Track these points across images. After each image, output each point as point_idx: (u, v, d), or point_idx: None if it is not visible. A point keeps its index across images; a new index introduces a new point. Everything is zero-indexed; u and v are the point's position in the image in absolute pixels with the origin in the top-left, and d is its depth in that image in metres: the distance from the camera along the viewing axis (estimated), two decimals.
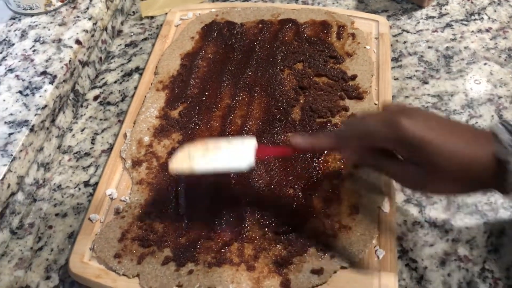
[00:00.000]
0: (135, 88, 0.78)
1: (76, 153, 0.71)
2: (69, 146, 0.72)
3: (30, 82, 0.69)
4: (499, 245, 0.58)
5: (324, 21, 0.82)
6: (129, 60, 0.84)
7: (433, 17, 0.85)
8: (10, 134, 0.63)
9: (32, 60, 0.72)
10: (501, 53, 0.78)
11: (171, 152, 0.67)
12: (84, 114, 0.76)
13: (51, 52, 0.73)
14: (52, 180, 0.68)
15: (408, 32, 0.83)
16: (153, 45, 0.84)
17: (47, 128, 0.68)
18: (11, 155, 0.61)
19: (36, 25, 0.78)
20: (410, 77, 0.76)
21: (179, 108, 0.72)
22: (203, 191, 0.62)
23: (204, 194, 0.62)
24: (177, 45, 0.81)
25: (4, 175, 0.59)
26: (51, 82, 0.69)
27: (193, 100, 0.73)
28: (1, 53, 0.74)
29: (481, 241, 0.58)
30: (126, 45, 0.87)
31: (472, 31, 0.82)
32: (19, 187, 0.63)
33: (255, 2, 0.91)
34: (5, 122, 0.64)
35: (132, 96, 0.76)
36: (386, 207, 0.59)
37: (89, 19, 0.78)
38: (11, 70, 0.71)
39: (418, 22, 0.84)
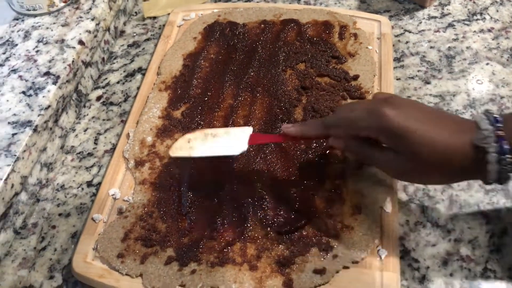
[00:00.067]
0: (138, 88, 0.78)
1: (79, 153, 0.72)
2: (72, 146, 0.73)
3: (33, 82, 0.69)
4: (501, 245, 0.58)
5: (326, 21, 0.82)
6: (132, 61, 0.84)
7: (435, 17, 0.85)
8: (13, 135, 0.63)
9: (35, 61, 0.72)
10: (503, 53, 0.78)
11: None
12: (87, 115, 0.77)
13: (54, 52, 0.73)
14: (55, 180, 0.69)
15: (410, 32, 0.83)
16: (156, 45, 0.84)
17: (50, 129, 0.68)
18: (15, 155, 0.61)
19: (39, 26, 0.78)
20: (412, 77, 0.76)
21: (181, 108, 0.72)
22: (206, 191, 0.63)
23: (207, 194, 0.62)
24: (179, 46, 0.81)
25: (8, 175, 0.60)
26: (54, 83, 0.69)
27: (196, 100, 0.73)
28: (4, 53, 0.74)
29: (483, 241, 0.58)
30: (129, 46, 0.87)
31: (474, 31, 0.82)
32: (23, 187, 0.64)
33: (257, 2, 0.91)
34: (9, 123, 0.65)
35: (135, 96, 0.77)
36: (388, 207, 0.59)
37: (92, 19, 0.78)
38: (14, 71, 0.71)
39: (420, 22, 0.84)
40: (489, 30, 0.82)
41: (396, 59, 0.79)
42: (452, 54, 0.79)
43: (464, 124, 0.50)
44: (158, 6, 0.92)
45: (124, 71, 0.83)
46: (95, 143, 0.73)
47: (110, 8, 0.83)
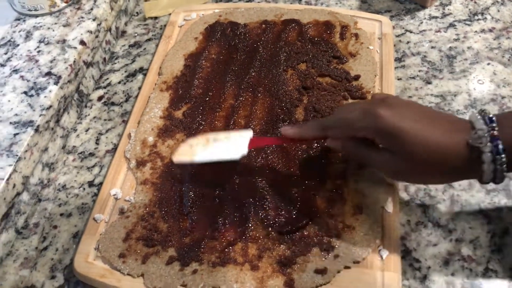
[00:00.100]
0: (139, 88, 0.78)
1: (81, 153, 0.72)
2: (74, 146, 0.73)
3: (35, 82, 0.69)
4: (502, 245, 0.58)
5: (327, 22, 0.82)
6: (133, 61, 0.84)
7: (436, 17, 0.85)
8: (15, 135, 0.63)
9: (36, 61, 0.73)
10: (505, 53, 0.78)
11: None
12: (89, 115, 0.77)
13: (55, 52, 0.73)
14: (56, 180, 0.69)
15: (411, 32, 0.83)
16: (157, 45, 0.84)
17: (52, 129, 0.69)
18: (16, 155, 0.61)
19: (41, 26, 0.78)
20: (413, 77, 0.76)
21: (183, 108, 0.73)
22: (207, 191, 0.63)
23: (208, 194, 0.62)
24: (180, 46, 0.82)
25: (10, 175, 0.60)
26: (56, 83, 0.69)
27: (197, 100, 0.73)
28: (6, 54, 0.74)
29: (484, 241, 0.58)
30: (130, 46, 0.87)
31: (476, 31, 0.82)
32: (24, 187, 0.64)
33: (258, 2, 0.91)
34: (10, 123, 0.65)
35: (136, 96, 0.77)
36: (389, 207, 0.59)
37: (93, 20, 0.78)
38: (16, 71, 0.71)
39: (421, 22, 0.84)
40: (490, 30, 0.82)
41: (397, 59, 0.79)
42: (453, 54, 0.79)
43: (459, 123, 0.50)
44: (159, 6, 0.92)
45: (125, 71, 0.83)
46: (97, 143, 0.73)
47: (112, 8, 0.83)
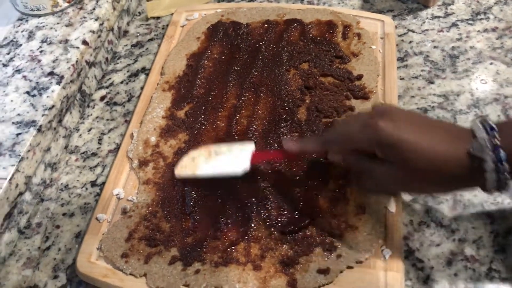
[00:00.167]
0: (142, 88, 0.78)
1: (83, 153, 0.72)
2: (76, 146, 0.73)
3: (37, 82, 0.70)
4: (506, 245, 0.57)
5: (329, 21, 0.82)
6: (135, 61, 0.84)
7: (438, 17, 0.85)
8: (18, 135, 0.63)
9: (39, 61, 0.73)
10: (507, 52, 0.78)
11: (177, 152, 0.67)
12: (91, 114, 0.77)
13: (58, 52, 0.73)
14: (59, 180, 0.69)
15: (413, 32, 0.83)
16: (159, 45, 0.84)
17: (54, 128, 0.69)
18: (19, 155, 0.61)
19: (43, 26, 0.78)
20: (416, 77, 0.76)
21: (185, 108, 0.73)
22: (210, 191, 0.63)
23: (211, 193, 0.62)
24: (183, 46, 0.82)
25: (12, 175, 0.60)
26: (58, 83, 0.69)
27: (199, 100, 0.73)
28: (8, 54, 0.74)
29: (487, 241, 0.58)
30: (132, 46, 0.87)
31: (478, 31, 0.82)
32: (27, 187, 0.64)
33: (261, 2, 0.91)
34: (13, 123, 0.65)
35: (139, 96, 0.77)
36: (392, 207, 0.59)
37: (96, 19, 0.78)
38: (18, 71, 0.71)
39: (424, 22, 0.84)
40: (493, 30, 0.82)
41: (400, 59, 0.79)
42: (456, 54, 0.79)
43: (460, 132, 0.49)
44: (161, 6, 0.92)
45: (127, 71, 0.83)
46: (99, 143, 0.73)
47: (114, 8, 0.83)
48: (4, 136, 0.63)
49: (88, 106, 0.78)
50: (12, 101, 0.68)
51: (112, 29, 0.84)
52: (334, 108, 0.70)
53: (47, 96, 0.68)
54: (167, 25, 0.87)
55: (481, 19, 0.84)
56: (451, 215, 0.60)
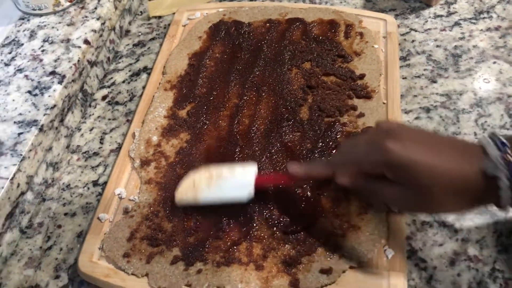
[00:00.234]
0: (143, 87, 0.78)
1: (85, 152, 0.72)
2: (78, 146, 0.73)
3: (39, 82, 0.69)
4: (509, 245, 0.57)
5: (332, 20, 0.82)
6: (137, 60, 0.84)
7: (441, 16, 0.85)
8: (19, 134, 0.63)
9: (41, 60, 0.73)
10: (510, 51, 0.77)
11: (179, 152, 0.67)
12: (93, 114, 0.77)
13: (59, 52, 0.73)
14: (61, 180, 0.69)
15: (416, 31, 0.83)
16: (161, 44, 0.84)
17: (56, 128, 0.68)
18: (21, 154, 0.61)
19: (45, 25, 0.78)
20: (418, 76, 0.76)
21: (187, 107, 0.72)
22: None
23: None
24: (184, 45, 0.81)
25: (14, 174, 0.60)
26: (60, 82, 0.69)
27: (201, 99, 0.73)
28: (10, 53, 0.74)
29: (491, 240, 0.58)
30: (134, 45, 0.87)
31: (481, 30, 0.82)
32: (29, 187, 0.64)
33: (263, 1, 0.91)
34: (15, 122, 0.65)
35: (140, 95, 0.77)
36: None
37: (97, 19, 0.78)
38: (20, 70, 0.71)
39: (426, 21, 0.84)
40: (496, 29, 0.81)
41: (402, 58, 0.78)
42: (459, 53, 0.78)
43: (470, 149, 0.48)
44: (163, 5, 0.92)
45: (129, 71, 0.83)
46: (101, 143, 0.73)
47: (116, 8, 0.83)
48: (5, 135, 0.63)
49: (90, 105, 0.78)
50: (13, 100, 0.68)
51: (114, 29, 0.84)
52: (336, 108, 0.69)
53: (49, 96, 0.67)
54: (169, 25, 0.87)
55: (484, 18, 0.83)
56: (454, 215, 0.60)
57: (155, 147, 0.68)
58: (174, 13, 0.89)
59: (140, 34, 0.89)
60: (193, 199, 0.59)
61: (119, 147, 0.71)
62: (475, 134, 0.67)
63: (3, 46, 0.75)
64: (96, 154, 0.71)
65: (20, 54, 0.74)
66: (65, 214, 0.65)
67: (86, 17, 0.79)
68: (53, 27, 0.77)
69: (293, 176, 0.56)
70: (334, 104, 0.70)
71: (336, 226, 0.58)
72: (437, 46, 0.80)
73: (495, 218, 0.59)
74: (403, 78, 0.75)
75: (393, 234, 0.57)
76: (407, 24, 0.84)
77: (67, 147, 0.73)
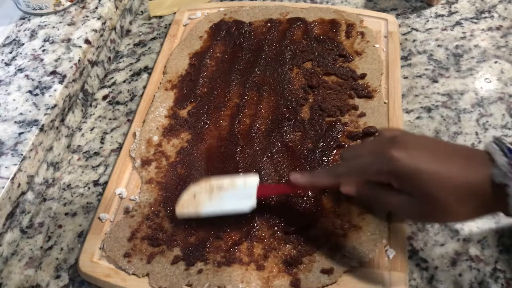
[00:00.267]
0: (144, 87, 0.78)
1: (86, 152, 0.72)
2: (79, 146, 0.73)
3: (39, 81, 0.69)
4: (510, 245, 0.57)
5: (333, 20, 0.82)
6: (138, 60, 0.84)
7: (442, 15, 0.84)
8: (20, 134, 0.63)
9: (41, 60, 0.72)
10: None
11: (180, 152, 0.67)
12: (93, 114, 0.77)
13: (60, 51, 0.73)
14: (61, 180, 0.69)
15: (417, 30, 0.82)
16: (162, 44, 0.84)
17: (57, 128, 0.68)
18: (21, 154, 0.61)
19: (46, 25, 0.78)
20: (419, 76, 0.75)
21: (188, 107, 0.72)
22: None
23: None
24: (185, 45, 0.81)
25: (15, 174, 0.60)
26: (61, 82, 0.69)
27: (202, 99, 0.73)
28: (11, 53, 0.74)
29: (492, 241, 0.58)
30: (135, 45, 0.87)
31: (482, 29, 0.81)
32: (29, 187, 0.64)
33: (264, 1, 0.91)
34: (15, 122, 0.65)
35: (141, 95, 0.77)
36: None
37: (98, 18, 0.78)
38: (21, 70, 0.71)
39: (427, 21, 0.84)
40: (498, 28, 0.81)
41: (404, 58, 0.78)
42: (460, 53, 0.78)
43: (477, 156, 0.47)
44: (164, 5, 0.92)
45: (130, 70, 0.83)
46: (102, 143, 0.73)
47: (116, 7, 0.83)
48: (6, 135, 0.63)
49: (91, 105, 0.78)
50: (14, 100, 0.67)
51: (114, 28, 0.84)
52: (337, 107, 0.69)
53: (50, 95, 0.67)
54: (170, 24, 0.87)
55: (485, 17, 0.83)
56: None
57: (156, 147, 0.68)
58: (175, 13, 0.89)
59: (141, 33, 0.89)
60: (194, 212, 0.57)
61: (120, 147, 0.71)
62: (477, 134, 0.67)
63: (4, 45, 0.75)
64: (96, 154, 0.71)
65: (20, 54, 0.74)
66: (66, 214, 0.65)
67: (86, 16, 0.79)
68: (53, 27, 0.77)
69: (296, 185, 0.55)
70: (335, 103, 0.70)
71: (337, 226, 0.58)
72: (438, 45, 0.80)
73: (496, 218, 0.59)
74: (404, 78, 0.75)
75: (394, 234, 0.57)
76: (408, 24, 0.84)
77: (68, 147, 0.72)
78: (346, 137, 0.66)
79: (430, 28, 0.83)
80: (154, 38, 0.87)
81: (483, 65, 0.76)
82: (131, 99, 0.78)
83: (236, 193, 0.57)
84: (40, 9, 0.78)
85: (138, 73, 0.82)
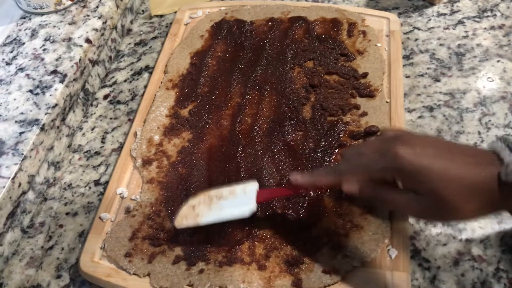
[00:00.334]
0: (145, 87, 0.78)
1: (87, 152, 0.72)
2: (80, 145, 0.72)
3: (40, 81, 0.69)
4: None
5: (334, 19, 0.81)
6: (139, 59, 0.84)
7: (444, 14, 0.84)
8: (21, 133, 0.63)
9: (42, 59, 0.72)
10: None
11: (181, 151, 0.66)
12: (94, 113, 0.77)
13: (61, 51, 0.73)
14: (62, 179, 0.69)
15: (419, 29, 0.82)
16: (163, 43, 0.83)
17: (58, 127, 0.68)
18: (22, 154, 0.61)
19: (46, 24, 0.78)
20: (421, 75, 0.75)
21: (189, 106, 0.72)
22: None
23: None
24: (186, 44, 0.81)
25: (15, 174, 0.59)
26: (62, 81, 0.69)
27: (203, 98, 0.73)
28: (11, 52, 0.74)
29: (495, 240, 0.57)
30: (136, 44, 0.87)
31: (485, 28, 0.81)
32: (30, 186, 0.63)
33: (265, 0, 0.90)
34: (16, 121, 0.65)
35: (142, 95, 0.76)
36: None
37: (99, 18, 0.78)
38: (21, 69, 0.71)
39: (430, 20, 0.84)
40: (500, 27, 0.81)
41: (405, 57, 0.78)
42: (462, 52, 0.78)
43: (483, 155, 0.47)
44: (165, 4, 0.91)
45: (131, 70, 0.82)
46: (102, 142, 0.72)
47: (117, 7, 0.83)
48: (7, 135, 0.63)
49: (92, 104, 0.78)
50: (15, 99, 0.67)
51: (115, 27, 0.84)
52: (339, 106, 0.69)
53: (50, 95, 0.67)
54: (171, 23, 0.87)
55: (487, 16, 0.83)
56: None
57: (157, 146, 0.68)
58: (175, 12, 0.89)
59: (141, 33, 0.89)
60: (194, 222, 0.56)
61: (121, 146, 0.71)
62: (479, 133, 0.67)
63: (5, 45, 0.75)
64: (97, 153, 0.71)
65: (21, 53, 0.74)
66: (67, 213, 0.65)
67: (87, 16, 0.78)
68: (54, 26, 0.77)
69: (296, 186, 0.54)
70: (337, 103, 0.69)
71: (339, 225, 0.57)
72: (441, 44, 0.79)
73: (499, 218, 0.59)
74: (406, 77, 0.75)
75: (397, 234, 0.57)
76: (410, 23, 0.83)
77: (69, 146, 0.72)
78: (348, 136, 0.66)
79: (432, 27, 0.82)
80: (155, 37, 0.87)
81: (486, 64, 0.76)
82: (132, 99, 0.78)
83: (235, 201, 0.56)
84: (41, 8, 0.78)
85: (139, 73, 0.82)
